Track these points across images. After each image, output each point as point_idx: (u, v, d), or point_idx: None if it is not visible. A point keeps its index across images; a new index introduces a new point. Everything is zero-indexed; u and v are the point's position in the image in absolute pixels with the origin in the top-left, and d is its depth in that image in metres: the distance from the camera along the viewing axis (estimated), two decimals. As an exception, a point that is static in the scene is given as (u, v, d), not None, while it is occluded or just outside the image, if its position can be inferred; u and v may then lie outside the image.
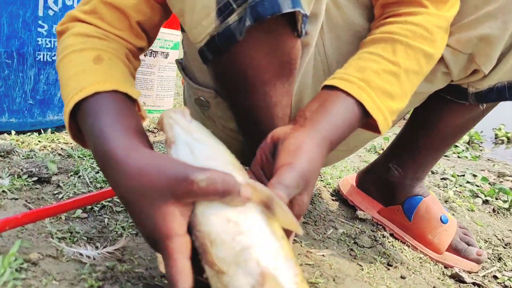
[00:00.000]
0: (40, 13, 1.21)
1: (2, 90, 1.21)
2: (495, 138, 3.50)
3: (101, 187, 1.04)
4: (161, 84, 1.88)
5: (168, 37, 1.84)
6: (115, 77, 0.65)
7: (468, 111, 0.97)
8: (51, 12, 1.23)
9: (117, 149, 0.53)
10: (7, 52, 1.19)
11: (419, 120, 1.06)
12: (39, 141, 1.25)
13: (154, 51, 1.82)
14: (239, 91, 0.66)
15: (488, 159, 2.48)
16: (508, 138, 3.48)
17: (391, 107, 0.68)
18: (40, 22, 1.22)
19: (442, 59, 0.83)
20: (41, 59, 1.25)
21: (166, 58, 1.85)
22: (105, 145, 0.55)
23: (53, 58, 1.27)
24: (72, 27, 0.72)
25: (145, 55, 1.79)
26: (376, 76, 0.68)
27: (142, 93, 1.82)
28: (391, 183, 1.12)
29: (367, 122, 0.70)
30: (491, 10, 0.79)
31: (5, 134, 1.25)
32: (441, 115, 1.00)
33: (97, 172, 1.12)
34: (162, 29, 1.82)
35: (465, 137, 2.87)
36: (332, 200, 1.24)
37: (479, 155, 2.52)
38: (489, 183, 1.82)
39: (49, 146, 1.24)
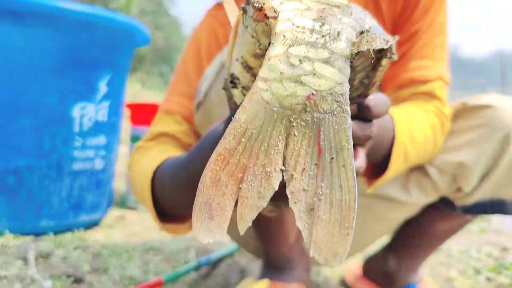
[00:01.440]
0: (76, 129, 1.41)
1: (43, 198, 1.39)
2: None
3: (129, 284, 1.17)
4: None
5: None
6: (170, 153, 0.86)
7: (457, 218, 1.04)
8: (85, 128, 1.43)
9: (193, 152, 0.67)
10: (48, 165, 1.37)
11: (412, 222, 1.14)
12: (73, 241, 1.41)
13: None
14: None
15: (495, 231, 2.48)
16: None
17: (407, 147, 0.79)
18: (76, 137, 1.42)
19: (429, 176, 0.94)
20: (76, 169, 1.44)
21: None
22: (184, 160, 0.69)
23: (86, 167, 1.45)
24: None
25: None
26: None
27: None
28: (388, 273, 1.21)
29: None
30: (469, 140, 0.87)
31: (45, 236, 1.41)
32: (432, 219, 1.08)
33: (124, 269, 1.25)
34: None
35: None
36: (339, 288, 1.34)
37: (485, 228, 2.54)
38: (493, 259, 1.84)
39: (82, 244, 1.39)
